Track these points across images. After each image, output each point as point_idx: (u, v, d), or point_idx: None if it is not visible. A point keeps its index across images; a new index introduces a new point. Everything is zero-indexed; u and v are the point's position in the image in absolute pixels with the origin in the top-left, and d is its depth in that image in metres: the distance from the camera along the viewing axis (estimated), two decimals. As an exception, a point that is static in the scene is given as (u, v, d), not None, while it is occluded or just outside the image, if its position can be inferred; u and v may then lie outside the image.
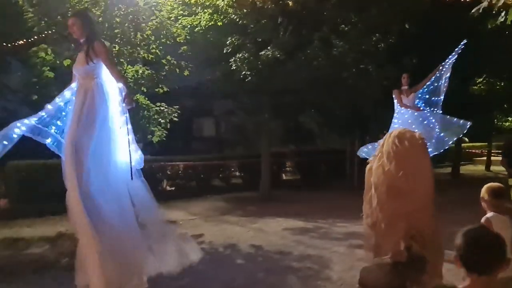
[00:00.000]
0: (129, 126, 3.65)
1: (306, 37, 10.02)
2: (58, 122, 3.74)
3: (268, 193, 11.26)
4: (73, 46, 7.84)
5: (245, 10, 9.10)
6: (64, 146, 3.47)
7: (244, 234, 7.01)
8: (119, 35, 7.50)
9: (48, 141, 3.68)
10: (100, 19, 7.46)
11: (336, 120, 12.82)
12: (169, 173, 11.77)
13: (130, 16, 7.00)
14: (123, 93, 3.57)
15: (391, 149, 2.60)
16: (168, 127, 8.50)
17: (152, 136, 8.60)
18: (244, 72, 9.36)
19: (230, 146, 17.61)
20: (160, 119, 8.27)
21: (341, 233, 6.91)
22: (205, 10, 9.72)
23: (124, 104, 3.56)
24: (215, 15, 9.69)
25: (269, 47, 9.36)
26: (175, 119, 8.57)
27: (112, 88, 3.63)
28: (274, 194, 11.47)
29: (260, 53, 9.36)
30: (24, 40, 9.60)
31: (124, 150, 3.56)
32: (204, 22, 9.82)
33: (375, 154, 2.81)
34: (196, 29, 10.02)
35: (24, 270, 4.95)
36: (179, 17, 9.69)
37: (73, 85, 3.77)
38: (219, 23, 9.86)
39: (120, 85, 3.59)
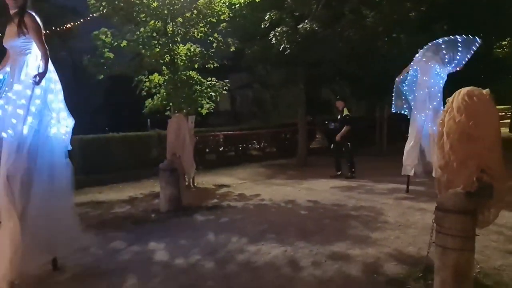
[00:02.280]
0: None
1: (338, 9, 10.47)
2: None
3: (304, 159, 12.04)
4: (131, 29, 8.54)
5: (284, -14, 9.57)
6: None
7: (297, 192, 7.81)
8: (176, 15, 8.15)
9: None
10: (155, 3, 8.11)
11: (366, 88, 13.33)
12: (210, 143, 12.60)
13: (189, -2, 7.59)
14: (40, 71, 3.32)
15: (461, 104, 3.24)
16: (218, 99, 9.22)
17: (201, 108, 9.35)
18: (283, 45, 9.92)
19: (263, 117, 18.31)
20: (211, 93, 8.96)
21: (385, 189, 7.68)
22: (246, -13, 10.20)
23: (35, 79, 3.26)
24: (254, -9, 10.17)
25: (306, 20, 9.88)
26: (224, 92, 9.27)
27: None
28: (309, 160, 12.25)
29: (298, 26, 9.89)
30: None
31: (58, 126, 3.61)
32: (243, -1, 10.31)
33: (445, 110, 3.46)
34: (235, 6, 10.53)
35: (126, 223, 5.80)
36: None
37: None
38: (257, 0, 10.35)
39: (41, 63, 3.35)
